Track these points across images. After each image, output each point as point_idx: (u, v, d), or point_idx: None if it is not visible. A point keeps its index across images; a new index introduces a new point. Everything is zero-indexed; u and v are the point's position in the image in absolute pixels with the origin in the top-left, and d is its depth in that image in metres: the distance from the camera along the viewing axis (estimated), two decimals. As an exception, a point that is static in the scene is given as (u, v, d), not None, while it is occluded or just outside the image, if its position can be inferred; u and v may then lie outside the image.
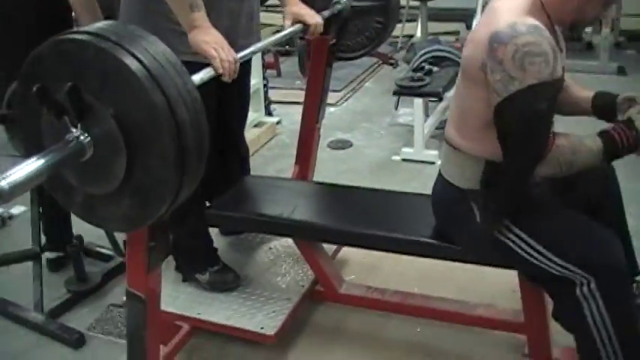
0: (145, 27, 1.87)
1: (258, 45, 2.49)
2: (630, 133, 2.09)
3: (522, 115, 1.99)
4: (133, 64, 1.50)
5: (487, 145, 2.12)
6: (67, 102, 1.56)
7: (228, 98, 2.75)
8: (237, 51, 2.33)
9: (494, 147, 2.08)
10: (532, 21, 1.98)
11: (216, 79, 2.20)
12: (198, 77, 1.99)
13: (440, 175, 2.38)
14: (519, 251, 2.19)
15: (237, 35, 2.58)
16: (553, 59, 1.95)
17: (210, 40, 2.24)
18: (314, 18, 2.75)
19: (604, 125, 2.23)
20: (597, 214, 2.36)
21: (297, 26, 2.73)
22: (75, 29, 1.64)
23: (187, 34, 2.29)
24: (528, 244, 2.17)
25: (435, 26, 6.67)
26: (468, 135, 2.21)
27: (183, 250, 2.89)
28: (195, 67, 2.04)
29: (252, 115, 5.05)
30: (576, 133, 2.16)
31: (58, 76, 1.58)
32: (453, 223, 2.35)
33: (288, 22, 2.73)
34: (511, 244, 2.20)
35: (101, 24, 1.63)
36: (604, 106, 2.37)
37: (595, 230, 2.18)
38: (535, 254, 2.16)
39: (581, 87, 2.47)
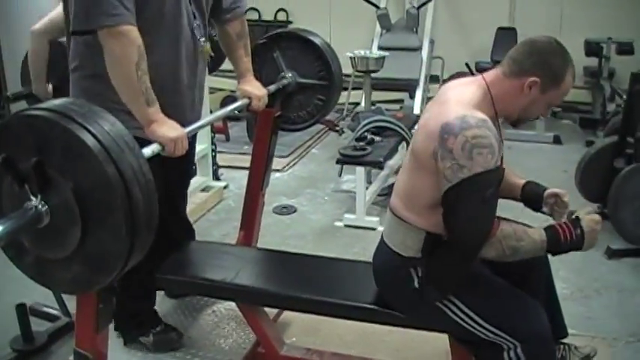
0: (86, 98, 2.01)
1: (208, 118, 2.61)
2: (575, 232, 2.22)
3: (470, 201, 2.13)
4: (94, 145, 1.61)
5: (430, 220, 2.26)
6: (31, 174, 1.65)
7: (171, 166, 2.84)
8: (185, 123, 2.47)
9: (437, 221, 2.22)
10: (480, 115, 2.14)
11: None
12: (149, 150, 2.11)
13: (382, 241, 2.48)
14: (452, 316, 2.31)
15: (184, 110, 2.70)
16: (498, 151, 2.11)
17: (173, 136, 2.37)
18: (260, 100, 2.94)
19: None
20: (526, 282, 2.50)
21: (243, 101, 2.89)
22: (42, 105, 1.73)
23: (145, 127, 2.39)
24: (461, 310, 2.30)
25: (381, 95, 6.88)
26: (413, 210, 2.33)
27: (127, 314, 2.94)
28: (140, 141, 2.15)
29: (200, 180, 5.11)
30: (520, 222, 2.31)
31: (23, 148, 1.68)
32: (393, 288, 2.45)
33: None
34: (445, 309, 2.32)
35: (68, 102, 1.74)
36: (532, 196, 2.54)
37: (522, 299, 2.32)
38: (467, 319, 2.29)
39: (515, 174, 2.63)
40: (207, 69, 2.93)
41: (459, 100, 2.21)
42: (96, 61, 2.44)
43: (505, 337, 2.24)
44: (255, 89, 2.97)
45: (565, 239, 2.22)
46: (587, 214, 2.28)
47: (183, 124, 2.49)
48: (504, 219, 2.28)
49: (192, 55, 2.70)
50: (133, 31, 2.36)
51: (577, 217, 2.27)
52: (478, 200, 2.13)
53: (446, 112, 2.16)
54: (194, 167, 4.24)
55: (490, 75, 2.29)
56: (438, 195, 2.18)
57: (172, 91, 2.65)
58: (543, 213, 2.55)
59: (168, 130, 2.40)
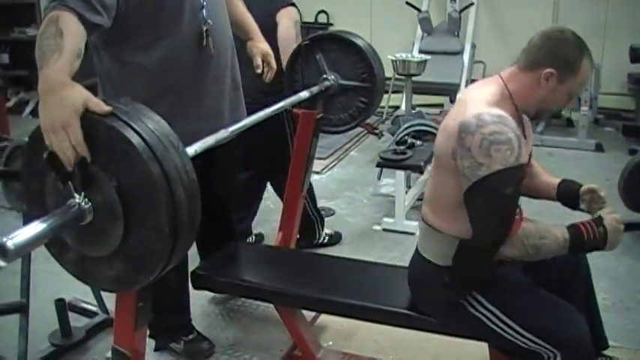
0: None
1: (250, 118, 2.59)
2: (597, 230, 2.20)
3: (489, 199, 2.12)
4: (138, 143, 1.61)
5: (460, 225, 2.23)
6: (75, 171, 1.66)
7: (216, 167, 2.85)
8: (224, 126, 2.38)
9: (467, 227, 2.19)
10: (497, 111, 2.13)
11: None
12: (192, 149, 2.10)
13: (416, 252, 2.48)
14: (491, 325, 2.29)
15: (223, 112, 2.68)
16: (518, 146, 2.09)
17: (47, 117, 1.72)
18: (273, 61, 2.93)
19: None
20: (566, 291, 2.46)
21: (294, 98, 2.89)
22: None
23: None
24: (500, 319, 2.27)
25: (420, 98, 6.84)
26: (441, 215, 2.33)
27: (161, 319, 2.90)
28: None
29: (239, 180, 5.13)
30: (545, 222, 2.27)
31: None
32: (429, 298, 2.43)
33: (258, 59, 2.89)
34: (484, 318, 2.29)
35: (112, 100, 1.74)
36: (568, 194, 2.50)
37: (562, 307, 2.28)
38: (506, 328, 2.26)
39: (549, 173, 2.61)
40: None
41: (477, 99, 2.21)
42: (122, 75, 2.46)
43: (545, 345, 2.21)
44: (269, 50, 2.95)
45: (588, 237, 2.20)
46: (610, 213, 2.27)
47: (221, 123, 2.47)
48: (528, 218, 2.26)
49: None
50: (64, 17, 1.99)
51: (600, 216, 2.25)
52: (498, 198, 2.11)
53: (463, 112, 2.17)
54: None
55: (507, 72, 2.30)
56: (461, 196, 2.17)
57: (197, 89, 2.60)
58: (581, 210, 2.51)
59: (47, 114, 1.73)
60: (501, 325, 2.27)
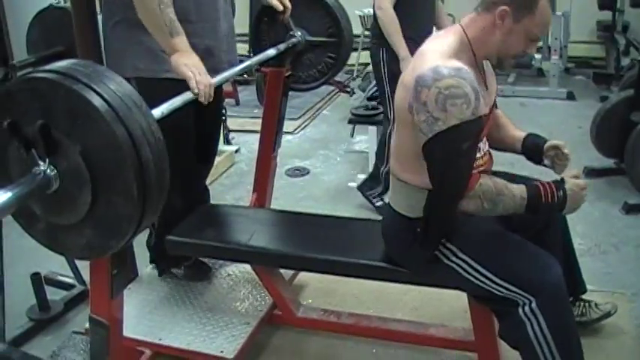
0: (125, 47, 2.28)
1: (239, 67, 2.70)
2: (557, 193, 2.18)
3: (446, 154, 2.09)
4: (101, 105, 1.56)
5: (426, 176, 2.20)
6: (37, 138, 1.61)
7: (203, 123, 2.90)
8: (222, 67, 2.61)
9: None
10: (454, 63, 2.08)
11: (194, 105, 2.35)
12: (158, 111, 2.06)
13: (388, 205, 2.47)
14: (465, 274, 2.29)
15: (220, 52, 2.75)
16: (474, 99, 2.05)
17: (189, 63, 2.42)
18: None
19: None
20: (543, 237, 2.47)
21: (261, 56, 2.87)
22: (45, 67, 1.68)
23: (169, 58, 2.48)
24: (473, 268, 2.27)
25: (391, 54, 6.81)
26: (407, 167, 2.31)
27: (163, 248, 2.95)
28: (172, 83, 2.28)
29: (211, 144, 5.10)
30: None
31: (29, 112, 1.63)
32: (403, 250, 2.43)
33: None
34: (457, 267, 2.29)
35: (72, 63, 1.69)
36: (532, 149, 2.50)
37: (535, 253, 2.28)
38: (479, 277, 2.26)
39: (515, 127, 2.59)
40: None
41: (434, 51, 2.17)
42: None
43: (518, 291, 2.21)
44: None
45: (546, 199, 2.18)
46: (573, 176, 2.25)
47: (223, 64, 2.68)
48: (485, 172, 2.25)
49: None
50: None
51: (562, 179, 2.23)
52: (454, 153, 2.09)
53: (421, 65, 2.12)
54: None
55: (466, 19, 2.25)
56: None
57: (210, 30, 2.73)
58: (545, 166, 2.51)
59: (189, 61, 2.45)
60: (475, 273, 2.27)
